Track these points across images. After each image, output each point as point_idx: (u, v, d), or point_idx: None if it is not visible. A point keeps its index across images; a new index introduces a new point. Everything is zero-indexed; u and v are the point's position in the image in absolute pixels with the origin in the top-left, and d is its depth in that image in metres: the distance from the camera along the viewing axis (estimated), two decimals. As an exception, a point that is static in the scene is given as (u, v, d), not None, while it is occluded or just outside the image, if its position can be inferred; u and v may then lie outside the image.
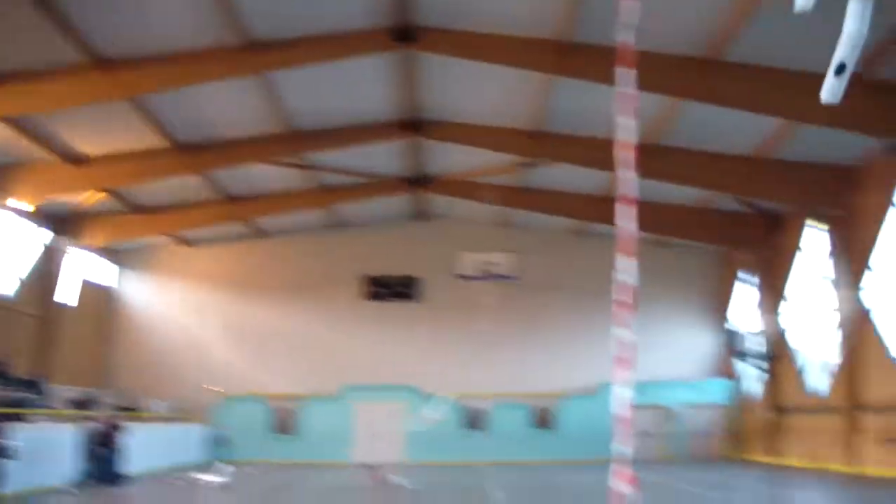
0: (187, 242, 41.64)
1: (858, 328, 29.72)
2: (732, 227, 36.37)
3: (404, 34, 23.94)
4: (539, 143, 30.41)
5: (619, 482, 8.21)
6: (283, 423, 39.87)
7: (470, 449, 38.78)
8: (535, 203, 37.28)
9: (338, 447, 38.29)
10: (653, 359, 39.14)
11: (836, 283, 30.55)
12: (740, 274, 39.31)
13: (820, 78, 9.21)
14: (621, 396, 8.62)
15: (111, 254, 40.56)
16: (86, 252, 37.17)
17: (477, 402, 39.85)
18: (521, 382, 40.12)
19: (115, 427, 27.33)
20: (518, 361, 40.33)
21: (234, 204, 36.54)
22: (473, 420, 39.89)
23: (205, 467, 31.04)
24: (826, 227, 31.30)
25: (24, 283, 33.03)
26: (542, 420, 40.19)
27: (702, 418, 40.37)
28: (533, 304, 40.83)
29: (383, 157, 33.56)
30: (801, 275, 34.52)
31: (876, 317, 28.98)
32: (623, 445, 8.48)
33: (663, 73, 23.61)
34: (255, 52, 23.60)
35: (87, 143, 29.05)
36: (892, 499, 21.74)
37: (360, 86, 27.35)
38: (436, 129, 30.76)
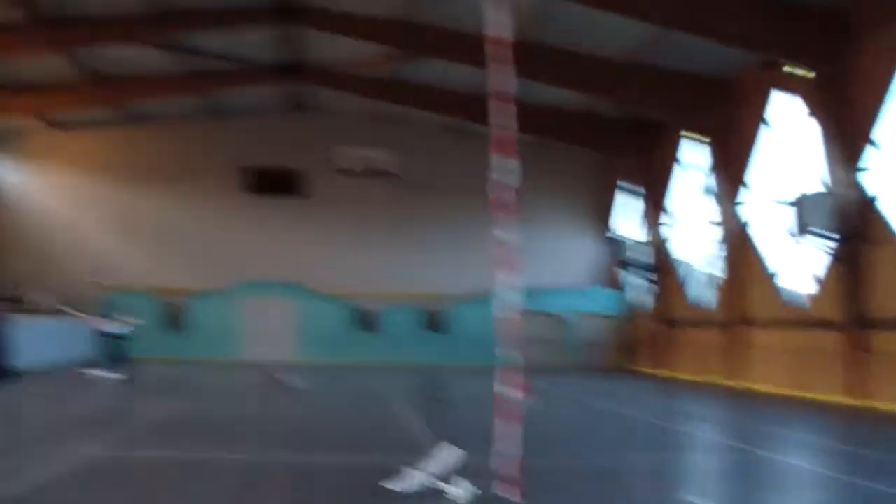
0: (58, 125, 39.41)
1: (739, 244, 29.99)
2: (612, 133, 36.36)
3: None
4: (416, 35, 29.48)
5: (509, 388, 7.78)
6: (173, 318, 38.80)
7: (360, 350, 38.43)
8: (410, 98, 36.22)
9: (227, 344, 37.62)
10: (539, 265, 39.14)
11: (717, 197, 30.59)
12: (622, 182, 39.08)
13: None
14: (505, 300, 8.22)
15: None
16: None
17: (368, 303, 39.37)
18: (413, 283, 39.64)
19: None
20: (409, 262, 39.81)
21: (105, 86, 34.49)
22: (364, 320, 39.43)
23: (96, 362, 30.12)
24: (705, 139, 31.13)
25: None
26: (434, 322, 39.93)
27: (591, 327, 40.63)
28: (424, 204, 40.26)
29: (258, 43, 32.18)
30: (681, 186, 34.53)
31: (753, 232, 29.24)
32: (510, 350, 8.07)
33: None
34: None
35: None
36: (773, 414, 22.00)
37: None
38: (311, 17, 29.56)
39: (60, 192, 39.75)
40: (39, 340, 30.25)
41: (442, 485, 9.72)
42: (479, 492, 9.23)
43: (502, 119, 8.35)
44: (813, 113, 25.04)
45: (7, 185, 39.49)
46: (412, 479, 9.80)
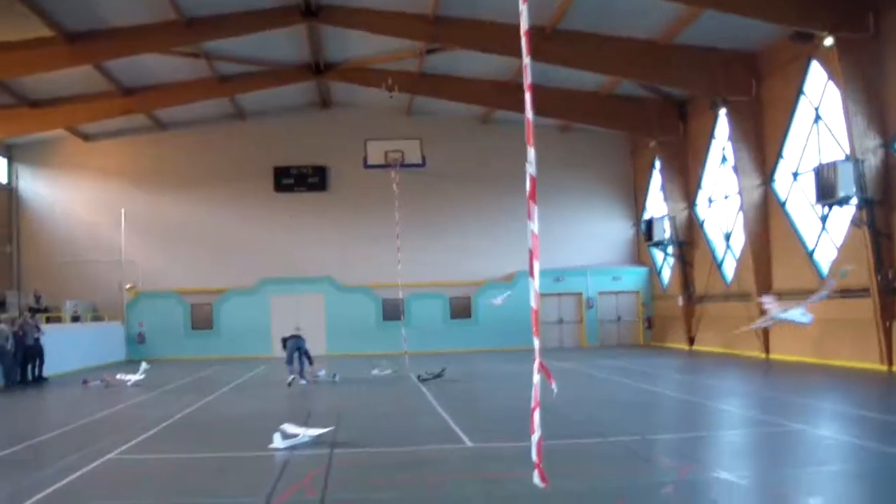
0: (85, 136, 39.85)
1: (763, 215, 29.87)
2: (640, 112, 35.95)
3: None
4: (438, 28, 29.27)
5: (538, 373, 7.79)
6: (200, 319, 39.28)
7: (387, 339, 38.45)
8: (438, 90, 36.25)
9: (257, 341, 38.02)
10: (570, 246, 39.37)
11: (739, 170, 30.41)
12: (655, 160, 38.72)
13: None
14: (532, 285, 8.17)
15: (4, 149, 38.86)
16: (-24, 149, 35.41)
17: (393, 293, 39.54)
18: (438, 272, 39.86)
19: (27, 328, 26.95)
20: (433, 251, 39.89)
21: (131, 96, 34.87)
22: (390, 310, 39.60)
23: (122, 366, 30.68)
24: (727, 112, 30.67)
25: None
26: (459, 310, 40.11)
27: (619, 305, 40.81)
28: (444, 193, 40.29)
29: (282, 44, 32.24)
30: (712, 162, 34.34)
31: (787, 204, 29.07)
32: (537, 334, 8.05)
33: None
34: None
35: (-34, 34, 27.44)
36: (802, 385, 21.77)
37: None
38: (333, 14, 29.38)
39: (88, 200, 39.93)
40: (67, 346, 30.92)
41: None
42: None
43: (534, 108, 8.24)
44: (836, 82, 24.65)
45: (32, 195, 39.91)
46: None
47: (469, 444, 13.27)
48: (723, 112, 30.90)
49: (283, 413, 17.21)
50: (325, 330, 38.93)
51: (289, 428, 13.87)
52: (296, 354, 24.76)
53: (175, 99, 35.86)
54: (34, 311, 30.94)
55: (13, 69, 29.45)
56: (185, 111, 38.15)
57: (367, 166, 34.59)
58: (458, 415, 16.52)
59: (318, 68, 34.83)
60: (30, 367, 27.47)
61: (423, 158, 34.23)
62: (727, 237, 33.37)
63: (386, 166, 35.66)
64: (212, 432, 15.68)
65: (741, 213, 30.85)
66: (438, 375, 24.75)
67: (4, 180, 39.27)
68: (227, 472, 11.71)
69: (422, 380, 24.32)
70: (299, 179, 40.16)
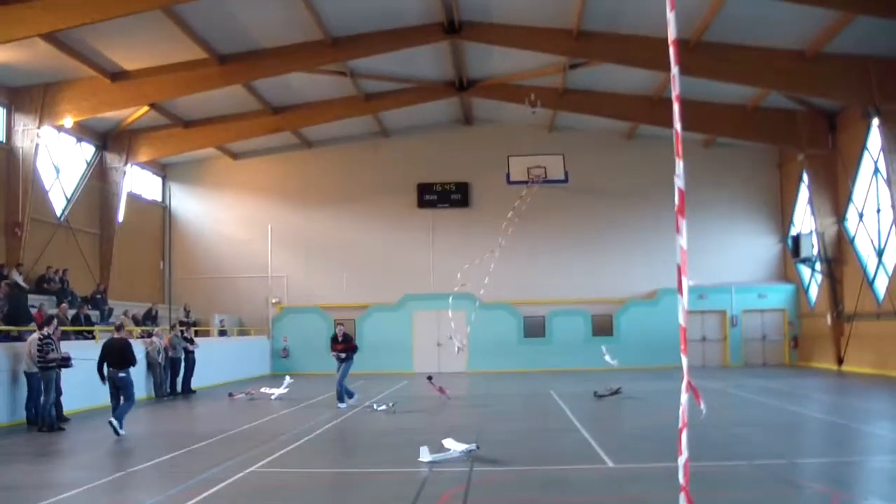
0: (234, 155, 41.15)
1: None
2: (788, 125, 34.77)
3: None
4: (581, 42, 29.11)
5: (686, 392, 7.53)
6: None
7: (528, 357, 38.40)
8: (580, 105, 36.09)
9: (399, 357, 38.40)
10: (714, 263, 38.33)
11: (893, 183, 29.03)
12: (802, 174, 37.49)
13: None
14: (679, 303, 7.87)
15: (159, 168, 40.50)
16: (134, 167, 36.83)
17: (534, 310, 39.42)
18: (579, 288, 39.41)
19: (175, 341, 27.88)
20: (574, 267, 39.57)
21: (279, 114, 35.97)
22: (532, 328, 39.46)
23: (267, 380, 31.32)
24: (880, 122, 29.14)
25: (74, 202, 33.01)
26: (601, 327, 39.60)
27: (764, 323, 39.65)
28: (585, 209, 39.90)
29: (425, 61, 32.76)
30: (864, 175, 32.99)
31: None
32: (683, 352, 7.78)
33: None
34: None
35: (127, 59, 28.81)
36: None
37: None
38: (476, 31, 29.63)
39: (235, 217, 41.26)
40: (213, 359, 31.81)
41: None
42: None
43: (682, 121, 7.97)
44: None
45: (183, 212, 41.33)
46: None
47: (611, 464, 13.02)
48: (875, 122, 29.71)
49: (424, 428, 17.27)
50: (467, 347, 39.00)
51: (445, 442, 13.95)
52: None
53: (321, 117, 36.72)
54: (184, 324, 31.93)
55: (170, 90, 30.55)
56: (331, 129, 38.94)
57: (509, 182, 34.35)
58: (599, 433, 16.26)
59: (461, 85, 35.22)
60: (178, 378, 28.43)
61: (566, 174, 33.73)
62: (879, 253, 32.04)
63: (528, 182, 35.51)
64: (352, 446, 15.86)
65: (895, 228, 29.64)
66: (616, 392, 24.48)
67: (159, 198, 40.82)
68: (364, 487, 11.79)
69: (598, 396, 24.13)
70: (442, 196, 40.45)
